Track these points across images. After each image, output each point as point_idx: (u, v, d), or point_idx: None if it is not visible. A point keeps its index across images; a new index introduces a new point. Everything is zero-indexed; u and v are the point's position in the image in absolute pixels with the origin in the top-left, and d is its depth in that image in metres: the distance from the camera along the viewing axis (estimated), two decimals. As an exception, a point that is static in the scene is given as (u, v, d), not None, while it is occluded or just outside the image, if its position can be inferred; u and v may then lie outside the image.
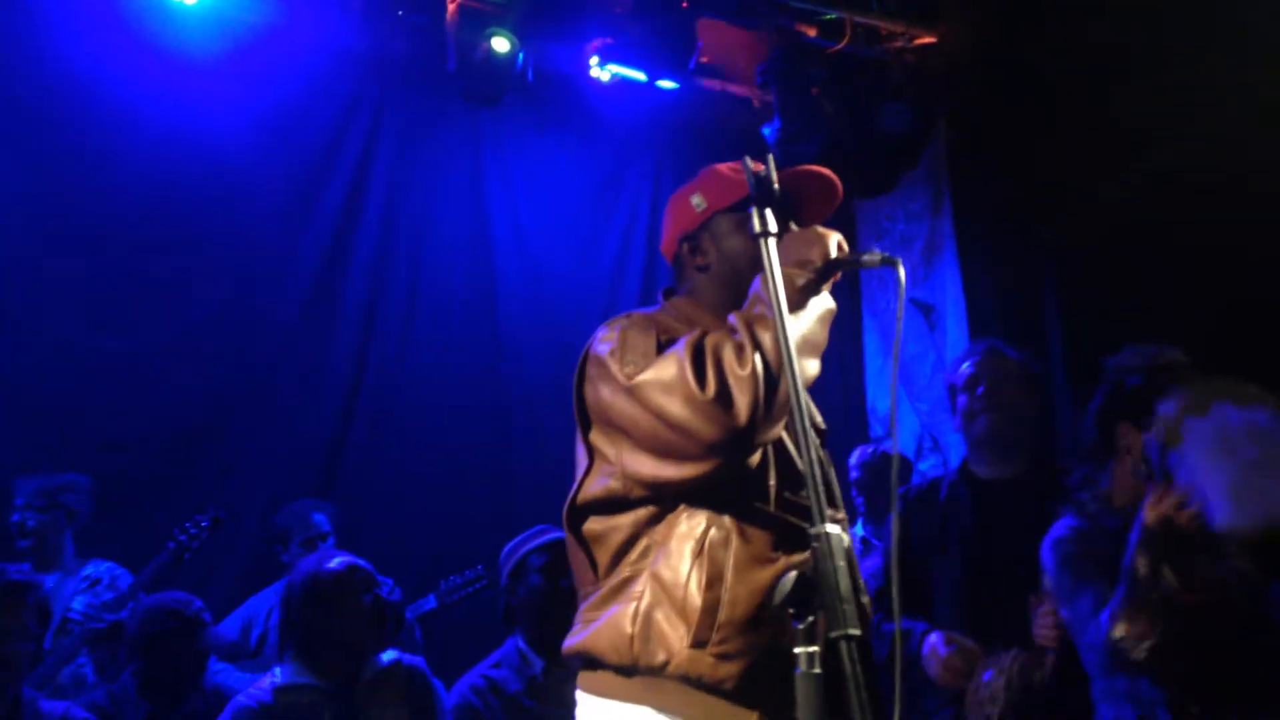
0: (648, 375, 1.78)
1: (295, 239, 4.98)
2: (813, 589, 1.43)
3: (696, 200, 2.07)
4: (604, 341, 1.89)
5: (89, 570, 4.04)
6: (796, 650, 1.43)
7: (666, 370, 1.76)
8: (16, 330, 4.39)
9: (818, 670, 1.42)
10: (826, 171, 2.02)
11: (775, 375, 1.72)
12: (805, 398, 2.02)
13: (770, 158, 1.66)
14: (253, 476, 4.72)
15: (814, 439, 1.54)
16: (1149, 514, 2.25)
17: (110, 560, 4.11)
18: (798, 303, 1.79)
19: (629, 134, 5.47)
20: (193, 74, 4.58)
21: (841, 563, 1.43)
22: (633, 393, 1.78)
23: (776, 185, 1.65)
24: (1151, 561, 2.26)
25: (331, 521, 4.36)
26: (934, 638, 2.91)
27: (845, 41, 4.80)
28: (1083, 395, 4.33)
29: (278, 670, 3.05)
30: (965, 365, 3.21)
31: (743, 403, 1.70)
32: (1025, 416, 3.12)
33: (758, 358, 1.72)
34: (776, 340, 1.71)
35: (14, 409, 4.37)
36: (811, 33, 4.79)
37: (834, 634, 1.39)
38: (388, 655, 3.15)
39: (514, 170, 5.45)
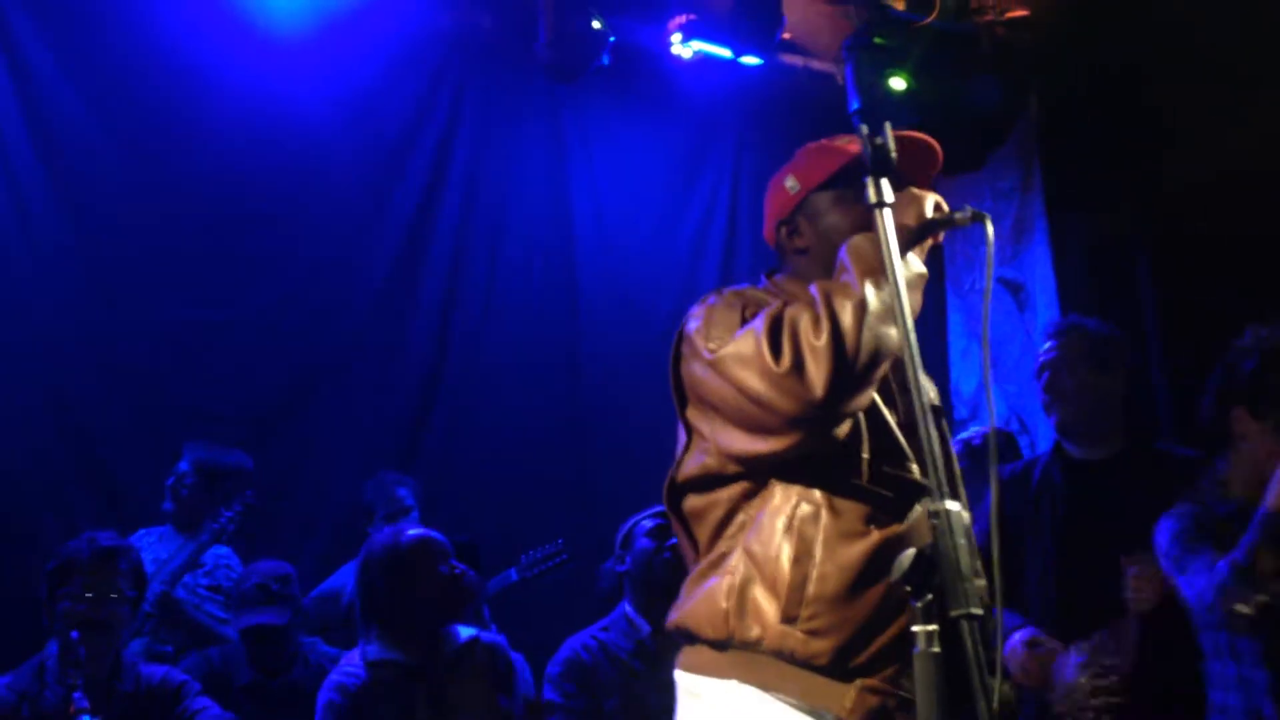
0: (728, 350, 1.77)
1: (378, 214, 5.03)
2: (931, 567, 1.40)
3: (790, 183, 2.04)
4: (693, 320, 1.90)
5: (206, 556, 4.11)
6: (914, 629, 1.40)
7: (745, 344, 1.75)
8: (110, 301, 4.50)
9: (937, 649, 1.39)
10: (925, 137, 1.98)
11: (853, 346, 1.69)
12: (921, 372, 2.00)
13: (888, 126, 1.62)
14: (336, 450, 4.79)
15: (928, 409, 1.50)
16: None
17: (229, 548, 4.20)
18: (885, 268, 1.71)
19: (711, 111, 5.43)
20: (280, 50, 4.62)
21: (962, 540, 1.39)
22: (715, 367, 1.78)
23: (895, 155, 1.61)
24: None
25: (416, 496, 4.42)
26: (1017, 637, 2.85)
27: (934, 15, 4.69)
28: (1180, 376, 4.24)
29: (365, 647, 3.09)
30: (1041, 349, 3.14)
31: (817, 375, 1.68)
32: (1102, 396, 3.01)
33: (834, 328, 1.69)
34: (856, 310, 1.70)
35: (107, 380, 4.47)
36: (900, 5, 4.69)
37: (955, 613, 1.36)
38: (465, 632, 3.18)
39: (594, 148, 5.44)
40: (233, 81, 4.62)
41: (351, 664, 3.06)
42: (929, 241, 1.89)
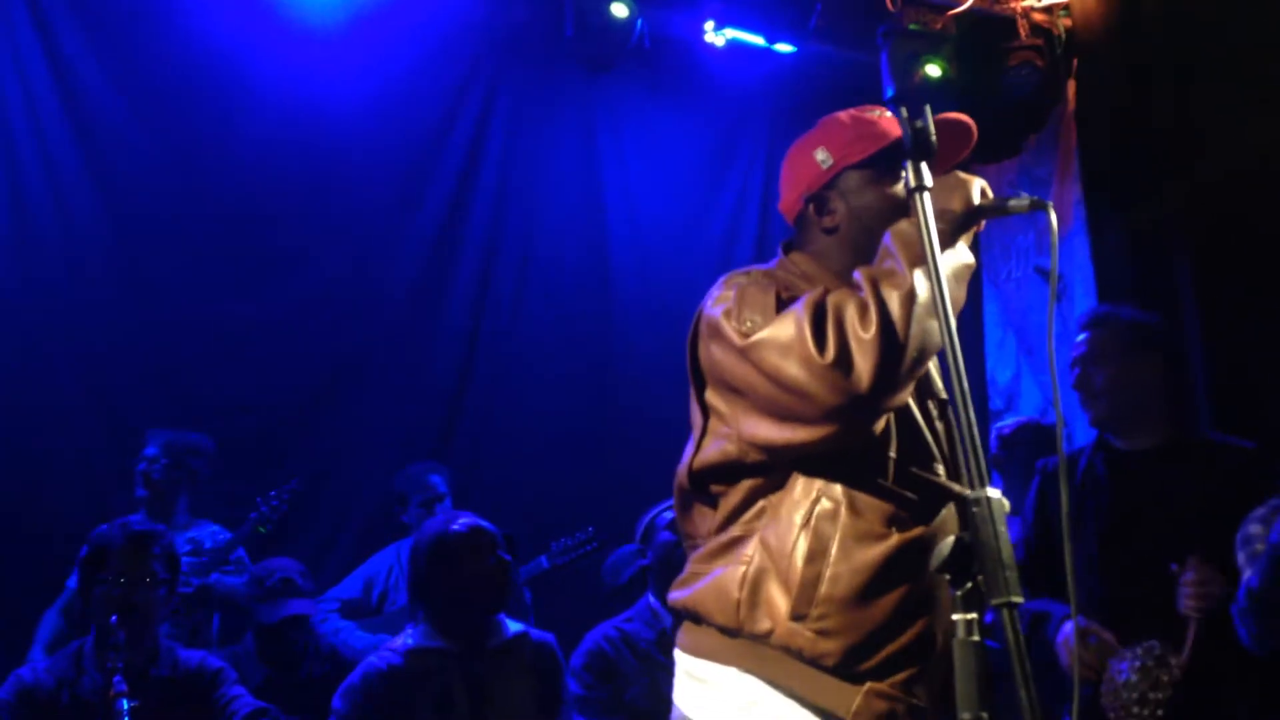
0: (764, 334, 1.70)
1: (412, 206, 5.04)
2: (971, 554, 1.37)
3: (821, 156, 1.91)
4: (718, 302, 1.81)
5: (193, 533, 4.15)
6: (954, 617, 1.37)
7: (784, 330, 1.67)
8: (147, 295, 4.54)
9: (977, 638, 1.36)
10: (959, 116, 1.90)
11: (903, 338, 1.62)
12: (934, 366, 1.96)
13: (928, 108, 1.57)
14: (370, 441, 4.82)
15: (967, 395, 1.47)
16: None
17: (215, 523, 4.23)
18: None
19: (743, 100, 5.39)
20: (315, 44, 4.64)
21: (1003, 528, 1.36)
22: (747, 353, 1.71)
23: (935, 138, 1.56)
24: None
25: (448, 483, 4.44)
26: (1069, 626, 2.78)
27: (971, 0, 4.64)
28: (1219, 365, 4.17)
29: (410, 632, 3.10)
30: (1074, 342, 3.08)
31: (864, 367, 1.61)
32: (1137, 386, 2.91)
33: (884, 319, 1.62)
34: (905, 300, 1.63)
35: (144, 371, 4.53)
36: (937, -10, 4.64)
37: (996, 601, 1.33)
38: (514, 626, 3.18)
39: (626, 138, 5.42)
40: (267, 76, 4.65)
41: (391, 648, 3.07)
42: (975, 229, 1.81)
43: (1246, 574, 2.33)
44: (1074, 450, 3.16)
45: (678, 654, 1.87)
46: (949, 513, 1.81)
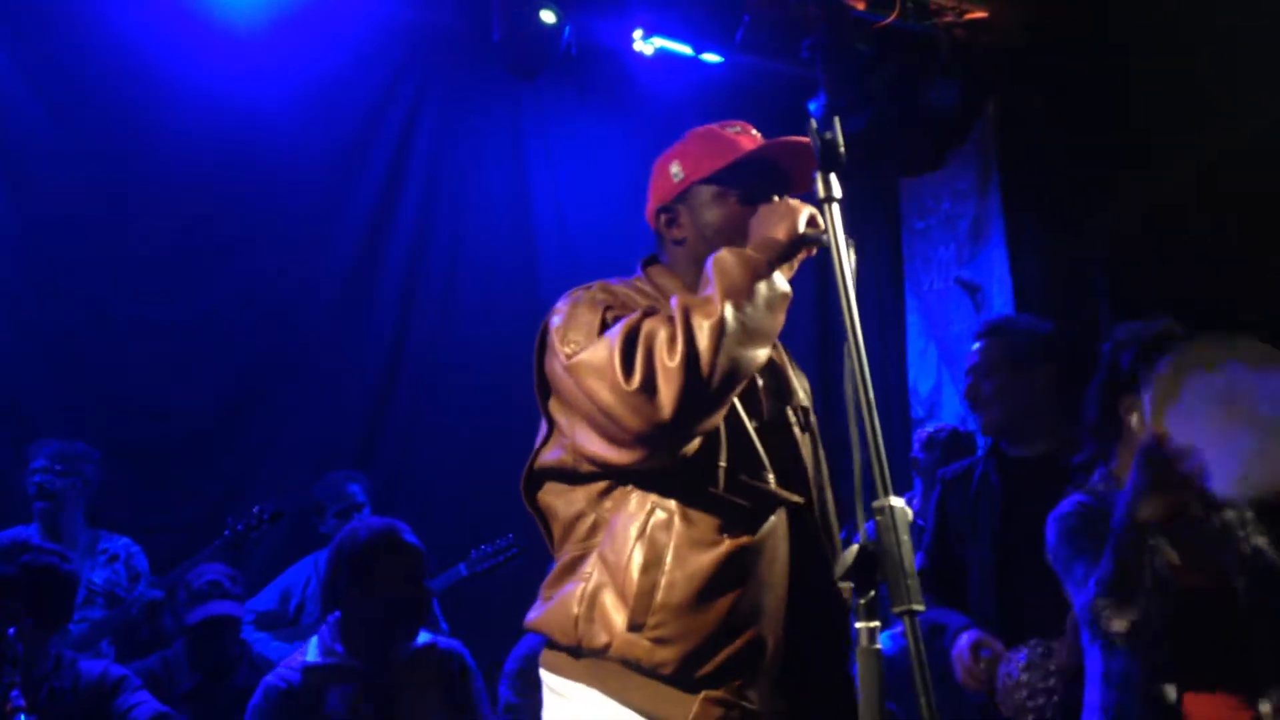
0: (583, 356, 1.75)
1: (337, 210, 4.98)
2: (875, 562, 1.39)
3: (675, 170, 1.99)
4: (556, 314, 1.87)
5: (104, 544, 4.05)
6: (857, 625, 1.39)
7: (599, 354, 1.73)
8: (60, 296, 4.44)
9: (878, 646, 1.38)
10: (804, 140, 1.89)
11: (708, 368, 1.66)
12: (799, 376, 2.00)
13: (836, 120, 1.60)
14: (292, 447, 4.75)
15: (872, 405, 1.48)
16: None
17: (118, 534, 4.13)
18: (748, 288, 1.72)
19: (672, 109, 5.38)
20: (239, 44, 4.57)
21: (905, 536, 1.38)
22: (570, 372, 1.76)
23: (843, 150, 1.59)
24: (1141, 531, 2.15)
25: (366, 492, 4.37)
26: (963, 640, 2.82)
27: (894, 15, 4.71)
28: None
29: (312, 645, 3.00)
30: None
31: (667, 395, 1.65)
32: (1022, 396, 2.97)
33: (689, 349, 1.66)
34: (713, 330, 1.67)
35: (57, 376, 4.42)
36: (860, 5, 4.70)
37: (898, 609, 1.35)
38: (422, 637, 3.10)
39: (555, 143, 5.41)
40: (189, 77, 4.56)
41: (290, 665, 2.96)
42: (800, 257, 1.85)
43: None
44: (971, 459, 3.22)
45: (541, 671, 1.91)
46: (778, 519, 1.84)
